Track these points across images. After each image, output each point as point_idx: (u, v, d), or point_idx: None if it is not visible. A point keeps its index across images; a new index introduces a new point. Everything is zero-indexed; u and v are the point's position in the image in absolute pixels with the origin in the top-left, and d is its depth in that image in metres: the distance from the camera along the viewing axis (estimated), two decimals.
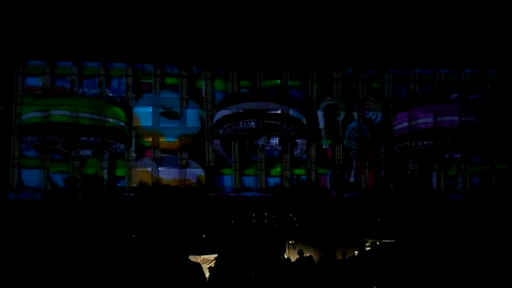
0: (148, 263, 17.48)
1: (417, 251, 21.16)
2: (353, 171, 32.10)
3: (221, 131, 31.74)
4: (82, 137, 30.68)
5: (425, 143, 32.12)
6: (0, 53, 30.56)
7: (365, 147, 32.20)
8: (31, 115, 30.66)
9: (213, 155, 31.63)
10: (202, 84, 32.16)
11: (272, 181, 31.91)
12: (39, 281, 16.62)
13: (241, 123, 31.59)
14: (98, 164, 31.11)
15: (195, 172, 31.43)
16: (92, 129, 30.76)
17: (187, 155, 31.60)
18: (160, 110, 31.91)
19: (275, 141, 32.10)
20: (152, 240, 23.32)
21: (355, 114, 32.44)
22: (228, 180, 31.76)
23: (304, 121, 32.11)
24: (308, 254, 19.44)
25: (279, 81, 32.52)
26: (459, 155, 32.34)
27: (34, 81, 31.43)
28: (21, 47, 30.88)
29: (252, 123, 31.60)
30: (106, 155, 31.23)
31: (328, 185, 31.66)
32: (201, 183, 30.94)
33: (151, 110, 31.85)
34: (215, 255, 19.11)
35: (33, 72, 31.45)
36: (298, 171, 32.02)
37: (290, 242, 27.71)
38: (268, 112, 31.96)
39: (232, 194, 31.11)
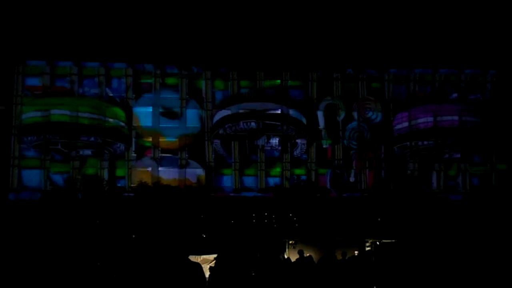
0: (148, 263, 17.48)
1: (417, 251, 21.16)
2: (353, 171, 32.10)
3: (221, 131, 31.73)
4: (82, 137, 30.68)
5: (425, 142, 32.11)
6: (0, 53, 30.56)
7: (365, 147, 32.20)
8: (31, 114, 30.65)
9: (213, 155, 31.63)
10: (202, 84, 32.16)
11: (272, 181, 31.91)
12: (39, 281, 16.63)
13: (241, 123, 31.58)
14: (98, 164, 31.11)
15: (195, 172, 31.43)
16: (92, 129, 30.74)
17: (187, 155, 31.61)
18: (160, 110, 31.91)
19: (275, 141, 32.10)
20: (152, 240, 23.32)
21: (355, 114, 32.44)
22: (228, 180, 31.76)
23: (304, 121, 32.11)
24: (308, 254, 19.43)
25: (279, 81, 32.51)
26: (459, 155, 32.34)
27: (34, 81, 31.43)
28: (21, 47, 30.88)
29: (253, 124, 31.59)
30: (106, 155, 31.23)
31: (328, 185, 31.66)
32: (201, 183, 30.94)
33: (151, 110, 31.85)
34: (215, 255, 19.11)
35: (33, 72, 31.44)
36: (298, 171, 32.02)
37: (290, 242, 27.70)
38: (268, 112, 31.95)
39: (232, 194, 31.10)
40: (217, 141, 31.75)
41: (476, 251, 21.03)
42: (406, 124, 32.39)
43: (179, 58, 31.83)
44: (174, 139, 31.62)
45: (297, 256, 19.22)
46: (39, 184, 30.49)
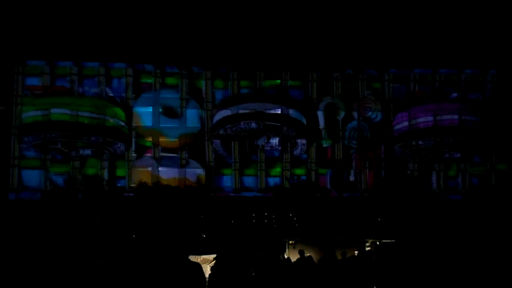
0: (148, 263, 17.49)
1: (417, 251, 21.17)
2: (353, 170, 32.10)
3: (221, 132, 31.74)
4: (82, 136, 30.68)
5: (425, 142, 32.12)
6: (0, 53, 30.56)
7: (365, 146, 32.20)
8: (31, 113, 30.65)
9: (213, 155, 31.63)
10: (202, 84, 32.16)
11: (272, 181, 31.90)
12: (39, 281, 16.63)
13: (242, 123, 31.59)
14: (98, 164, 31.12)
15: (195, 172, 31.44)
16: (92, 128, 30.75)
17: (187, 154, 31.61)
18: (160, 110, 31.92)
19: (275, 141, 32.10)
20: (152, 240, 23.33)
21: (355, 114, 32.44)
22: (228, 180, 31.76)
23: (304, 121, 32.10)
24: (308, 254, 19.43)
25: (279, 81, 32.51)
26: (459, 155, 32.35)
27: (34, 81, 31.42)
28: (21, 47, 30.88)
29: (253, 124, 31.59)
30: (106, 155, 31.23)
31: (328, 185, 31.65)
32: (201, 183, 30.93)
33: (151, 110, 31.86)
34: (215, 255, 19.10)
35: (33, 72, 31.44)
36: (298, 171, 32.02)
37: (290, 242, 27.69)
38: (268, 112, 31.94)
39: (232, 194, 31.10)
40: (217, 141, 31.75)
41: (476, 251, 21.03)
42: (406, 123, 32.39)
43: (179, 58, 31.83)
44: (174, 139, 31.62)
45: (297, 256, 19.22)
46: (39, 184, 30.50)
